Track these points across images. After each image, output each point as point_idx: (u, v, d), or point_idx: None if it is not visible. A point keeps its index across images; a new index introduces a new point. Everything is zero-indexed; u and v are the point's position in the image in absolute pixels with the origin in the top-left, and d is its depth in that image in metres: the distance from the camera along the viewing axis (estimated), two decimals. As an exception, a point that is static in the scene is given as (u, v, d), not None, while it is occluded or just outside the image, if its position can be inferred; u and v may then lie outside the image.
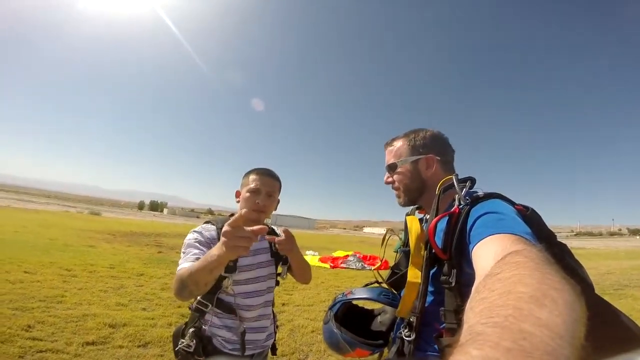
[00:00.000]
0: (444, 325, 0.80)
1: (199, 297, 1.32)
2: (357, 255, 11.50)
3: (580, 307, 0.34)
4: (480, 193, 0.88)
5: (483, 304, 0.36)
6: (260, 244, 1.48)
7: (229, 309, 1.33)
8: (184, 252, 1.28)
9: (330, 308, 1.18)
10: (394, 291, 1.09)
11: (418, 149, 1.07)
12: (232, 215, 1.44)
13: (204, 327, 1.34)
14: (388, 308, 1.15)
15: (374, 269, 1.25)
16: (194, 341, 1.29)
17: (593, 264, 13.62)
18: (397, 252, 1.18)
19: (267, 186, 1.43)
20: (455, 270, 0.80)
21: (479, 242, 0.69)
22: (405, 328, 0.91)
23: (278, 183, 1.50)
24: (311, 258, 11.31)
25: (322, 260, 10.89)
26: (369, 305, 1.25)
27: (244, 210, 1.11)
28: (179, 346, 1.29)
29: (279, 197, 1.54)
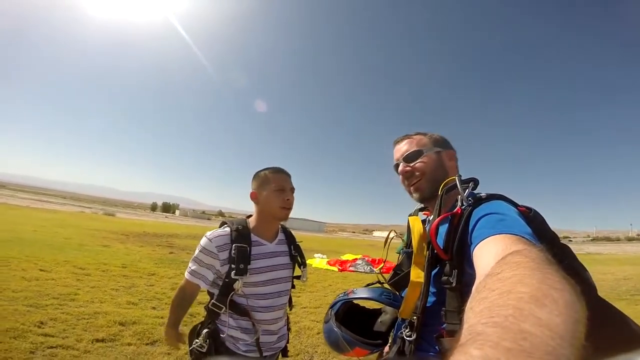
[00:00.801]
0: (444, 325, 0.80)
1: (213, 300, 1.36)
2: (366, 258, 11.43)
3: (580, 307, 0.34)
4: (483, 194, 0.87)
5: (483, 304, 0.35)
6: (278, 247, 1.49)
7: (242, 311, 1.34)
8: (192, 259, 1.37)
9: (331, 307, 1.19)
10: (396, 292, 1.09)
11: (440, 143, 1.09)
12: (249, 216, 1.51)
13: (219, 327, 1.36)
14: (388, 308, 1.15)
15: (377, 270, 1.25)
16: (208, 342, 1.31)
17: (610, 269, 13.19)
18: (399, 253, 1.18)
19: (290, 183, 1.49)
20: (456, 270, 0.80)
21: (480, 242, 0.69)
22: (406, 328, 0.91)
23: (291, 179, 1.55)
24: (319, 261, 11.30)
25: (330, 263, 10.85)
26: (370, 306, 1.25)
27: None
28: (193, 345, 1.32)
29: None
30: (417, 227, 0.95)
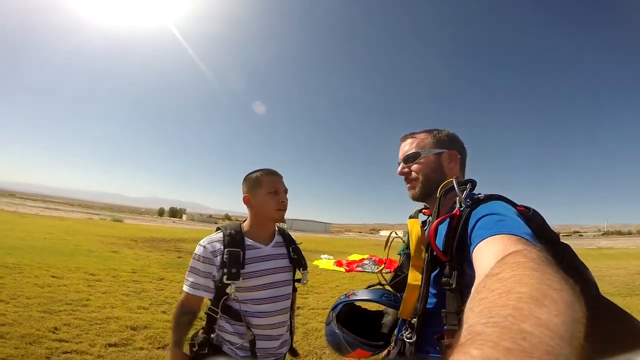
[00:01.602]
0: (445, 327, 0.80)
1: (209, 304, 1.35)
2: (373, 258, 11.40)
3: (580, 307, 0.34)
4: (481, 195, 0.87)
5: (483, 304, 0.36)
6: (276, 249, 1.46)
7: (237, 316, 1.32)
8: (189, 270, 1.36)
9: (333, 309, 1.19)
10: (397, 293, 1.09)
11: (442, 143, 1.07)
12: (245, 221, 1.49)
13: (217, 332, 1.34)
14: (390, 310, 1.15)
15: (377, 271, 1.25)
16: (205, 348, 1.31)
17: (623, 264, 13.00)
18: (400, 254, 1.18)
19: (283, 184, 1.47)
20: (456, 272, 0.80)
21: (479, 243, 0.69)
22: (407, 330, 0.91)
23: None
24: (326, 262, 11.29)
25: (337, 264, 10.84)
26: (372, 307, 1.25)
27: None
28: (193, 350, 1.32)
29: None
30: (415, 230, 0.95)
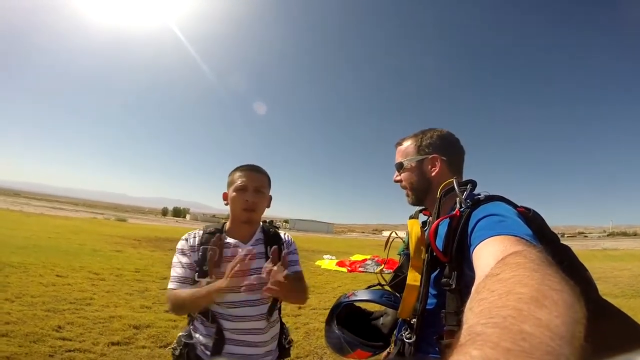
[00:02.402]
0: (445, 327, 0.80)
1: None
2: (375, 259, 11.39)
3: (580, 307, 0.34)
4: (482, 196, 0.88)
5: (483, 305, 0.36)
6: (254, 248, 1.33)
7: (210, 318, 1.26)
8: (173, 266, 1.33)
9: (333, 309, 1.19)
10: (397, 294, 1.09)
11: (424, 149, 1.08)
12: (225, 221, 1.45)
13: (191, 332, 1.32)
14: (390, 310, 1.15)
15: (377, 271, 1.25)
16: (179, 347, 1.30)
17: (627, 265, 12.89)
18: (400, 254, 1.19)
19: (254, 182, 1.34)
20: (456, 272, 0.80)
21: (479, 243, 0.69)
22: (406, 330, 0.92)
23: (266, 178, 1.41)
24: (328, 262, 11.29)
25: (339, 264, 10.84)
26: (372, 307, 1.25)
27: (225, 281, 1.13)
28: (169, 347, 1.33)
29: (270, 194, 1.46)
30: (414, 231, 0.96)
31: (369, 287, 1.19)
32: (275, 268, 1.14)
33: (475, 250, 0.70)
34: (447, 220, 0.85)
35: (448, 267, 0.82)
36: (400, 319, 0.98)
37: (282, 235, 1.49)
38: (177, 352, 1.30)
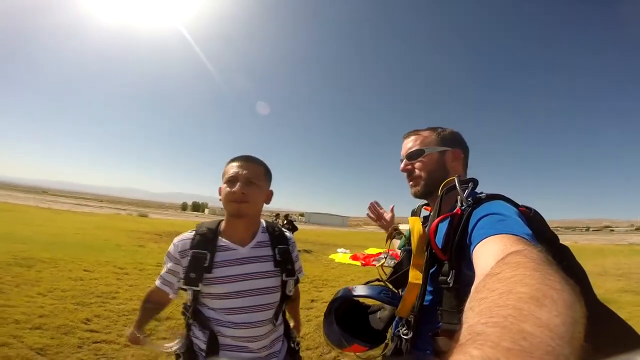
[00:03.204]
0: (440, 324, 0.81)
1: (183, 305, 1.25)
2: (390, 252, 11.34)
3: (580, 307, 0.34)
4: (483, 194, 0.88)
5: (483, 304, 0.36)
6: (257, 251, 1.25)
7: (205, 324, 1.17)
8: (163, 263, 1.27)
9: (331, 303, 1.19)
10: (395, 289, 1.09)
11: (446, 141, 1.08)
12: (221, 221, 1.31)
13: (191, 337, 1.22)
14: (387, 305, 1.13)
15: (379, 266, 1.25)
16: (181, 346, 1.22)
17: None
18: (400, 249, 1.18)
19: (246, 172, 1.20)
20: (454, 271, 0.81)
21: (479, 242, 0.70)
22: (404, 326, 0.93)
23: (261, 168, 1.27)
24: (342, 256, 11.33)
25: (353, 258, 10.87)
26: (370, 301, 1.21)
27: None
28: (170, 345, 1.25)
29: (270, 189, 1.32)
30: (416, 228, 0.95)
31: (368, 282, 1.17)
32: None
33: (476, 249, 0.70)
34: (448, 218, 0.85)
35: (446, 265, 0.83)
36: (397, 316, 0.98)
37: (287, 235, 1.39)
38: (177, 352, 1.23)
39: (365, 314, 1.22)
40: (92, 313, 3.80)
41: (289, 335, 1.37)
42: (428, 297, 0.89)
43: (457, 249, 0.81)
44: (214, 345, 1.15)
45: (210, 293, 1.18)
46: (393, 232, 1.47)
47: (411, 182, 1.10)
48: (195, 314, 1.20)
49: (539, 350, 0.26)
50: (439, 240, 0.86)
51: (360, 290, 1.14)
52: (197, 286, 1.16)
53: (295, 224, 14.62)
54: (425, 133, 1.10)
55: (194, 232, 1.24)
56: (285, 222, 13.74)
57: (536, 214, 0.84)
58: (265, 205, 1.29)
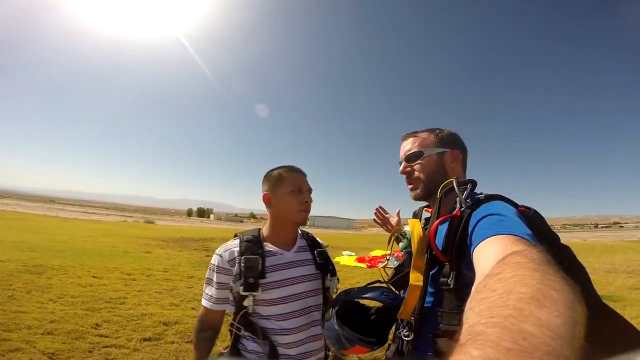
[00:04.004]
0: (440, 325, 0.81)
1: (232, 319, 1.21)
2: (396, 254, 11.27)
3: (580, 307, 0.34)
4: (482, 195, 0.88)
5: (483, 304, 0.36)
6: (300, 255, 1.30)
7: (260, 334, 1.15)
8: (206, 283, 1.23)
9: (333, 305, 1.18)
10: (396, 291, 1.08)
11: (445, 142, 1.07)
12: (261, 228, 1.33)
13: (240, 351, 1.18)
14: (389, 306, 1.11)
15: (381, 267, 1.24)
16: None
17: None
18: (402, 251, 1.19)
19: (306, 183, 1.32)
20: (454, 272, 0.80)
21: (479, 243, 0.69)
22: (405, 328, 0.92)
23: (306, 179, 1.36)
24: (348, 258, 11.28)
25: (359, 260, 10.82)
26: (371, 302, 1.21)
27: None
28: None
29: None
30: (416, 230, 0.94)
31: (369, 284, 1.17)
32: None
33: (476, 250, 0.70)
34: (448, 220, 0.85)
35: (447, 266, 0.83)
36: (398, 318, 0.98)
37: (319, 240, 1.46)
38: None
39: (366, 315, 1.21)
40: (102, 318, 3.86)
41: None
42: (429, 299, 0.89)
43: (457, 250, 0.81)
44: (274, 355, 1.15)
45: (264, 300, 1.18)
46: (395, 234, 1.46)
47: (410, 185, 1.09)
48: (247, 324, 1.17)
49: (539, 350, 0.26)
50: (439, 241, 0.86)
51: (361, 292, 1.15)
52: (257, 291, 1.14)
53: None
54: (424, 135, 1.09)
55: (237, 241, 1.24)
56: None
57: (536, 213, 0.84)
58: (304, 211, 1.32)
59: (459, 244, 0.81)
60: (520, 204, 0.85)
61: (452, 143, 1.08)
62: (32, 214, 26.14)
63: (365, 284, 1.15)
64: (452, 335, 0.76)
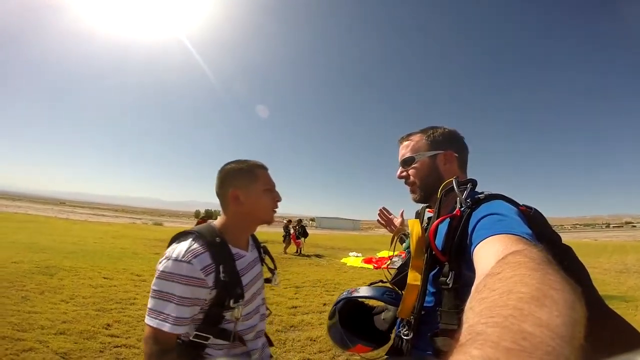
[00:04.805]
0: (439, 325, 0.82)
1: (194, 331, 1.02)
2: (402, 255, 11.24)
3: (580, 307, 0.34)
4: (482, 195, 0.88)
5: (483, 304, 0.36)
6: (253, 254, 1.23)
7: (232, 337, 1.05)
8: (159, 298, 0.96)
9: (335, 304, 1.20)
10: (398, 290, 1.09)
11: (437, 144, 1.06)
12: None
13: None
14: (391, 306, 1.15)
15: (384, 267, 1.26)
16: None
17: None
18: (405, 251, 1.20)
19: (273, 181, 1.23)
20: (453, 272, 0.81)
21: (480, 242, 0.69)
22: (405, 327, 0.94)
23: None
24: (354, 259, 11.28)
25: (365, 261, 10.82)
26: (374, 302, 1.23)
27: None
28: None
29: None
30: (415, 231, 0.95)
31: (371, 283, 1.19)
32: None
33: (476, 250, 0.69)
34: (448, 220, 0.85)
35: (447, 266, 0.83)
36: (398, 317, 0.99)
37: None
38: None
39: (369, 315, 1.23)
40: (113, 319, 3.93)
41: None
42: (429, 299, 0.90)
43: (456, 250, 0.81)
44: (247, 352, 1.12)
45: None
46: (399, 234, 1.48)
47: (409, 189, 1.11)
48: (220, 333, 1.04)
49: (539, 350, 0.26)
50: (439, 241, 0.86)
51: (363, 291, 1.16)
52: (244, 299, 1.06)
53: (307, 229, 14.68)
54: (416, 137, 1.09)
55: (199, 245, 1.01)
56: (297, 227, 13.80)
57: (537, 213, 0.84)
58: (275, 210, 1.27)
59: (458, 243, 0.81)
60: (521, 203, 0.86)
61: (445, 143, 1.07)
62: (44, 216, 26.62)
63: (368, 283, 1.17)
64: (451, 334, 0.77)
